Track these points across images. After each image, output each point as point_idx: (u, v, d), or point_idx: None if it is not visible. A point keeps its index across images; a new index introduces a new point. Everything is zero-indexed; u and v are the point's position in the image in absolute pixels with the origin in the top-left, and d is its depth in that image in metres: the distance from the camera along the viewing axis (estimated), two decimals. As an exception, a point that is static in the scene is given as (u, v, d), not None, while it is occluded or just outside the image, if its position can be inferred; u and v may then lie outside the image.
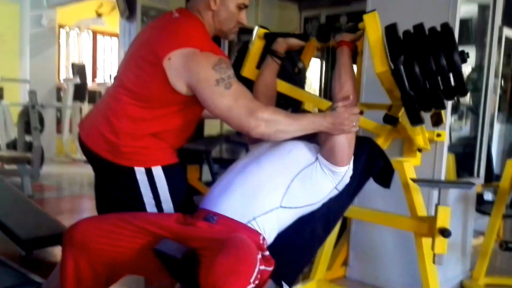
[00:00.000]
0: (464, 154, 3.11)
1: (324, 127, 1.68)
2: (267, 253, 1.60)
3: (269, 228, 1.68)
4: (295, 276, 1.76)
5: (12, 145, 6.67)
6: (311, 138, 1.94)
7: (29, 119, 6.23)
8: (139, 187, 1.71)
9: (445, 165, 2.54)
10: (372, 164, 2.01)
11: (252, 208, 1.66)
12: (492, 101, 3.08)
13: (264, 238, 1.65)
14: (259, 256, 1.47)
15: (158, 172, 1.72)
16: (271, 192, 1.69)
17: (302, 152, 1.79)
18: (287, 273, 1.72)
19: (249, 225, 1.63)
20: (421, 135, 2.21)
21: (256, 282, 1.36)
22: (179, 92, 1.65)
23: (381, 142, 2.17)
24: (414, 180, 2.06)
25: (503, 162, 6.21)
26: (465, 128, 3.92)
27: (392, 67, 1.82)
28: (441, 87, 1.75)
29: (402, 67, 1.75)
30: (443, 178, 2.56)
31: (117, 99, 1.71)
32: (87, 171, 9.11)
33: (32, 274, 2.77)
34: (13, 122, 6.98)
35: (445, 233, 1.92)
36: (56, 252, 3.12)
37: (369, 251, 2.84)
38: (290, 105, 2.45)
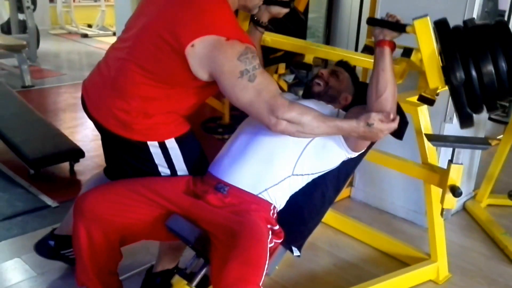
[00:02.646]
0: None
1: (353, 136, 1.55)
2: (277, 227, 1.61)
3: (281, 196, 1.67)
4: (305, 240, 1.78)
5: (6, 27, 6.37)
6: (330, 101, 1.82)
7: (21, -4, 5.88)
8: (153, 159, 1.67)
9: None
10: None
11: (264, 179, 1.63)
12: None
13: (274, 207, 1.65)
14: (269, 237, 1.49)
15: (172, 144, 1.66)
16: (283, 161, 1.64)
17: None
18: (297, 238, 1.75)
19: (260, 196, 1.62)
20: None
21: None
22: (200, 79, 1.53)
23: (396, 80, 2.03)
24: (428, 138, 1.96)
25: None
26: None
27: (451, 82, 1.63)
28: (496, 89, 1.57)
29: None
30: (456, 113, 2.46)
31: (129, 76, 1.56)
32: (85, 48, 8.90)
33: (42, 195, 2.83)
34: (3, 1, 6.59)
35: (455, 192, 1.88)
36: (64, 168, 3.15)
37: (374, 173, 2.86)
38: (280, 60, 2.29)
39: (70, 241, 1.92)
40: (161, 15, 1.55)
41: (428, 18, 1.61)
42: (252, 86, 1.47)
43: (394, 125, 1.51)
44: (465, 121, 1.63)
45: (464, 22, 1.65)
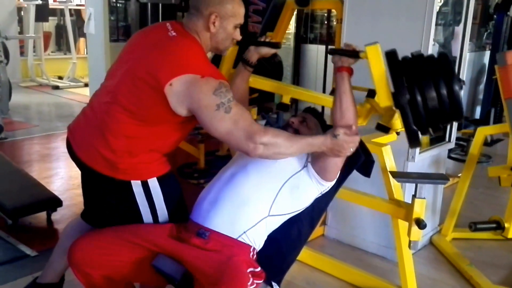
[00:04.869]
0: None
1: (322, 150, 1.69)
2: (258, 269, 1.68)
3: (259, 237, 1.76)
4: (284, 274, 1.87)
5: (-24, 81, 6.40)
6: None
7: (-7, 51, 5.96)
8: (135, 199, 1.75)
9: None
10: (354, 159, 2.06)
11: (241, 222, 1.72)
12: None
13: (254, 249, 1.74)
14: (250, 281, 1.56)
15: (153, 183, 1.76)
16: (259, 203, 1.75)
17: (290, 160, 1.81)
18: (276, 273, 1.84)
19: (239, 239, 1.71)
20: (398, 119, 2.25)
21: None
22: (179, 114, 1.67)
23: (361, 121, 2.21)
24: (393, 175, 2.13)
25: (470, 91, 6.39)
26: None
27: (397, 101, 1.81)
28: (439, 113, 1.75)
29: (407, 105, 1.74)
30: (417, 152, 2.66)
31: (114, 117, 1.69)
32: (56, 99, 8.88)
33: (21, 245, 2.84)
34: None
35: (420, 224, 2.03)
36: (41, 218, 3.17)
37: (346, 212, 3.00)
38: (255, 101, 2.40)
39: (53, 288, 1.97)
40: (141, 59, 1.70)
41: (379, 45, 1.81)
42: (229, 116, 1.60)
43: (357, 138, 1.69)
44: (412, 139, 1.81)
45: (412, 54, 1.84)
